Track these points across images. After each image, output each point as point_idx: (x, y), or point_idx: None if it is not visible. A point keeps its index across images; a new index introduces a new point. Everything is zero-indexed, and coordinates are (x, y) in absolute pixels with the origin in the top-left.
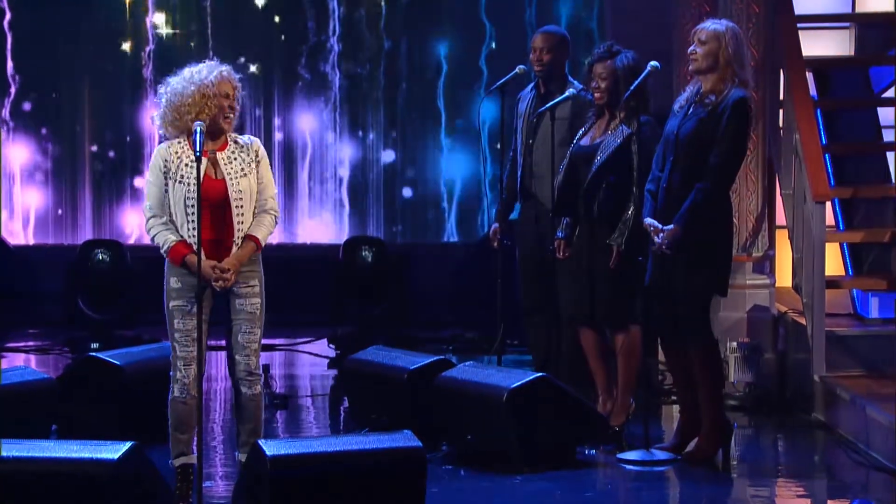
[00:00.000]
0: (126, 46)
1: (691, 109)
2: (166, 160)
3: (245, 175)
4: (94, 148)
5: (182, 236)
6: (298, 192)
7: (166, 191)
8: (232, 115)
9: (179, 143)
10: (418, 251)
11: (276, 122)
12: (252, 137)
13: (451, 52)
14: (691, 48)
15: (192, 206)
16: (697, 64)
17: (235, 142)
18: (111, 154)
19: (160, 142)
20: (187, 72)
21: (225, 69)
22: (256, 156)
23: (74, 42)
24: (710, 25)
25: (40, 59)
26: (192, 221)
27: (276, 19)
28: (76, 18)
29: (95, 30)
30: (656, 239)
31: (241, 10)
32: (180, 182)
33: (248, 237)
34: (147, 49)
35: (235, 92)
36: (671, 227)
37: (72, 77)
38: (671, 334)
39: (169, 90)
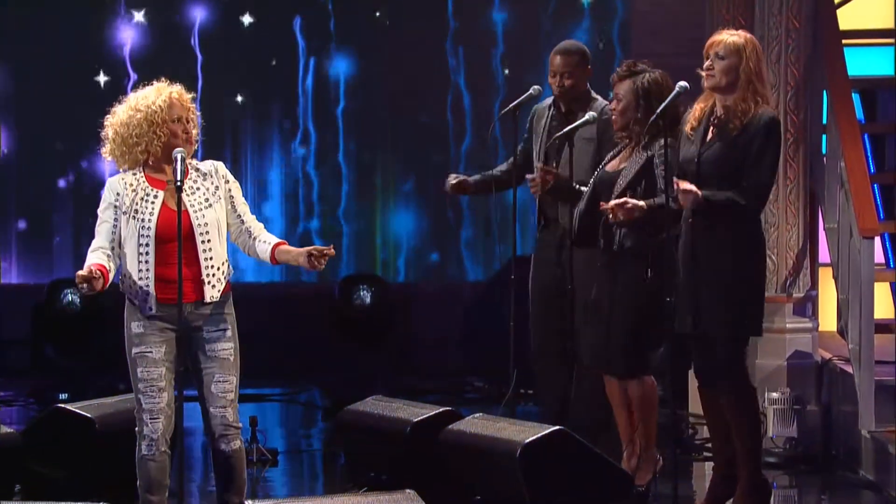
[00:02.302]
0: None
1: (710, 133)
2: (119, 193)
3: (210, 206)
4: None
5: (100, 262)
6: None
7: (115, 226)
8: (189, 141)
9: (134, 174)
10: (422, 290)
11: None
12: (215, 162)
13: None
14: (707, 63)
15: (147, 244)
16: (715, 80)
17: (197, 170)
18: (81, 182)
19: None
20: (132, 98)
21: (175, 90)
22: (226, 182)
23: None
24: (728, 38)
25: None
26: (146, 262)
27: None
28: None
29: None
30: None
31: None
32: (134, 217)
33: (279, 243)
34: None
35: (190, 114)
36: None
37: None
38: (709, 376)
39: (115, 121)
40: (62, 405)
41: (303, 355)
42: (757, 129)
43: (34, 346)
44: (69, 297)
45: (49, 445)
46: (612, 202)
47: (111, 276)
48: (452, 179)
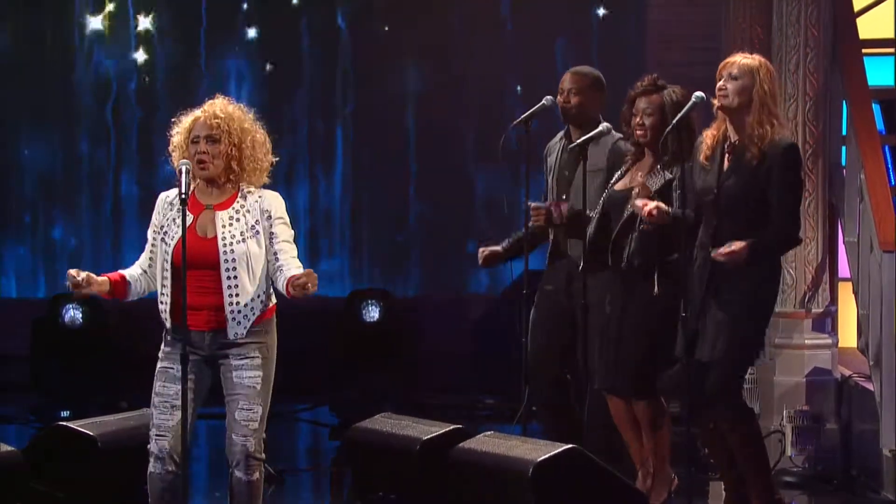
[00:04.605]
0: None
1: (727, 161)
2: (158, 212)
3: (243, 240)
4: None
5: (122, 272)
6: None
7: (153, 246)
8: (208, 164)
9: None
10: (432, 305)
11: None
12: (262, 195)
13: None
14: (720, 83)
15: (167, 268)
16: (728, 100)
17: (245, 198)
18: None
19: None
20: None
21: (209, 105)
22: (268, 218)
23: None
24: (742, 59)
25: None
26: (166, 286)
27: None
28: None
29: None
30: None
31: None
32: (163, 240)
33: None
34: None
35: (216, 132)
36: (742, 243)
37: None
38: (705, 402)
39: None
40: (64, 423)
41: (310, 372)
42: (774, 158)
43: (35, 362)
44: (71, 313)
45: (50, 464)
46: (648, 206)
47: (132, 291)
48: (483, 252)
